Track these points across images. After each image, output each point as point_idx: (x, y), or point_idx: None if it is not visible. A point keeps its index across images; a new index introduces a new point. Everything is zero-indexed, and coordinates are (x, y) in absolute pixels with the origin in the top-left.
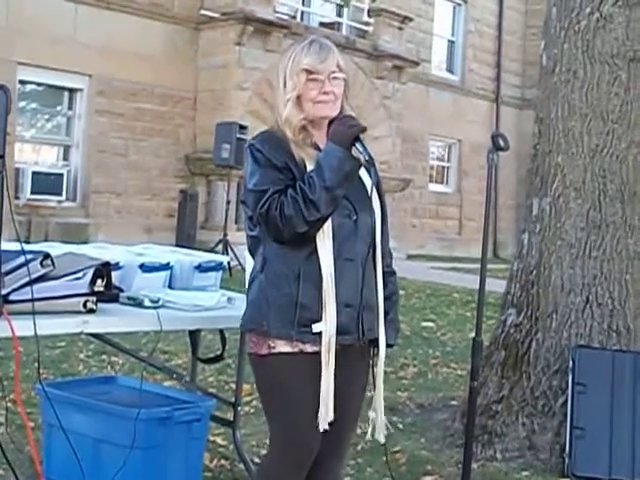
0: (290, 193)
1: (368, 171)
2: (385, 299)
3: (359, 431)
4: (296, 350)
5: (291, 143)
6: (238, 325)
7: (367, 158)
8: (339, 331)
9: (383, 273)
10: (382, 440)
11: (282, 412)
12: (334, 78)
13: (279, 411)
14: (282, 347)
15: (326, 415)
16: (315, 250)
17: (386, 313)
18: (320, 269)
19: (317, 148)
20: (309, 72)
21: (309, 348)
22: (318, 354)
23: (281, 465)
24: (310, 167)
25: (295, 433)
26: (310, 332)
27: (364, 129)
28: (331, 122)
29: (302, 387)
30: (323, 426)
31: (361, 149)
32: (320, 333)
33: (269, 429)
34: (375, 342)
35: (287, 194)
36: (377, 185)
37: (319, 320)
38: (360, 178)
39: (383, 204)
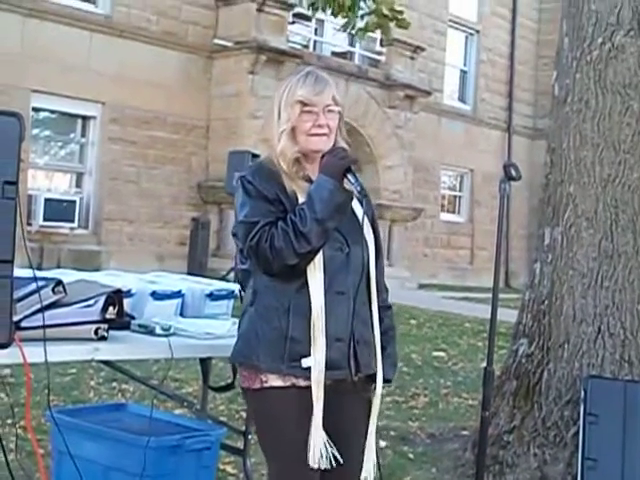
0: (280, 225)
1: (361, 203)
2: (381, 334)
3: None
4: (288, 384)
5: (283, 175)
6: None
7: (359, 189)
8: (329, 366)
9: (379, 308)
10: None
11: (276, 448)
12: (329, 111)
13: (273, 447)
14: (274, 381)
15: (316, 453)
16: (305, 283)
17: (383, 348)
18: (310, 302)
19: (310, 181)
20: (304, 104)
21: (302, 382)
22: (311, 388)
23: None
24: (302, 199)
25: (290, 471)
26: (300, 367)
27: (355, 161)
28: (324, 155)
29: (295, 423)
30: (316, 464)
31: (353, 181)
32: (310, 368)
33: (267, 464)
34: (373, 377)
35: (277, 226)
36: (371, 217)
37: (308, 353)
38: (353, 210)
39: (377, 237)
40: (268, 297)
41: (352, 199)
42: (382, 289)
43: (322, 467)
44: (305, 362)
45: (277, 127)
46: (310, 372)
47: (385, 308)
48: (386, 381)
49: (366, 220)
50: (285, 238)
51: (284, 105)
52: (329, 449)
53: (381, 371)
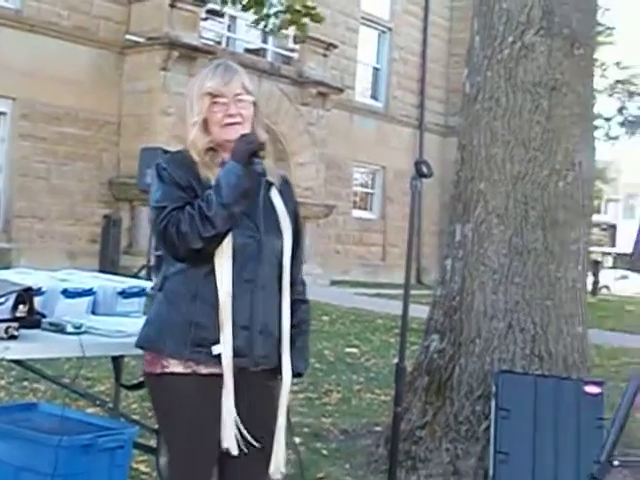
0: (187, 210)
1: (281, 193)
2: (293, 327)
3: None
4: (189, 371)
5: (198, 163)
6: None
7: (259, 172)
8: (235, 353)
9: (293, 300)
10: (277, 477)
11: (174, 433)
12: (239, 100)
13: (171, 432)
14: (175, 367)
15: (230, 437)
16: (213, 270)
17: (293, 341)
18: (217, 289)
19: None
20: (212, 95)
21: (203, 369)
22: (213, 376)
23: None
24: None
25: (186, 457)
26: (204, 352)
27: (262, 144)
28: None
29: (194, 409)
30: (228, 447)
31: (257, 162)
32: (218, 355)
33: (166, 449)
34: (280, 370)
35: (184, 211)
36: (293, 209)
37: (214, 340)
38: (271, 200)
39: (298, 229)
40: (176, 283)
41: (260, 185)
42: (297, 281)
43: (234, 451)
44: (215, 349)
45: (190, 120)
46: (213, 359)
47: (300, 301)
48: (297, 375)
49: (284, 210)
50: (191, 222)
51: (196, 98)
52: (243, 432)
53: (289, 363)
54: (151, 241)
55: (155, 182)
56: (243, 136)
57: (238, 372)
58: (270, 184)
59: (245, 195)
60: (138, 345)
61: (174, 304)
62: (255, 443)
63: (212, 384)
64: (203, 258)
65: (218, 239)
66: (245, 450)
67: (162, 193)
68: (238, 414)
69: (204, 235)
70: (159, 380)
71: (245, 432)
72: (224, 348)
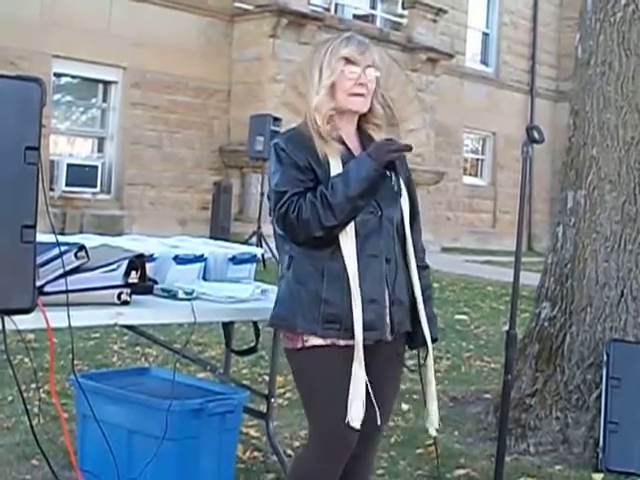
0: (309, 197)
1: (394, 166)
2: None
3: (392, 424)
4: (329, 342)
5: (315, 136)
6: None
7: (396, 190)
8: (365, 327)
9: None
10: (433, 433)
11: (319, 405)
12: (369, 73)
13: (316, 405)
14: (315, 340)
15: (356, 412)
16: (338, 248)
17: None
18: (344, 266)
19: (342, 142)
20: (348, 61)
21: (341, 342)
22: (350, 347)
23: (319, 459)
24: (333, 163)
25: (333, 427)
26: (334, 328)
27: (403, 152)
28: (361, 117)
29: (337, 380)
30: (353, 423)
31: (394, 179)
32: (350, 329)
33: (308, 423)
34: (409, 337)
35: (306, 197)
36: (407, 180)
37: (342, 315)
38: (386, 173)
39: (413, 199)
40: (304, 262)
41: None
42: (418, 249)
43: (356, 425)
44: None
45: (317, 84)
46: (344, 333)
47: (422, 268)
48: (433, 340)
49: (400, 182)
50: (312, 210)
51: (326, 63)
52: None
53: (427, 330)
54: (261, 208)
55: (273, 163)
56: (389, 140)
57: (371, 346)
58: None
59: (372, 192)
60: (271, 324)
61: (303, 283)
62: (379, 421)
63: (351, 356)
64: (323, 244)
65: (339, 229)
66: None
67: (281, 176)
68: (371, 384)
69: (326, 225)
70: (301, 354)
71: (376, 405)
72: (355, 323)
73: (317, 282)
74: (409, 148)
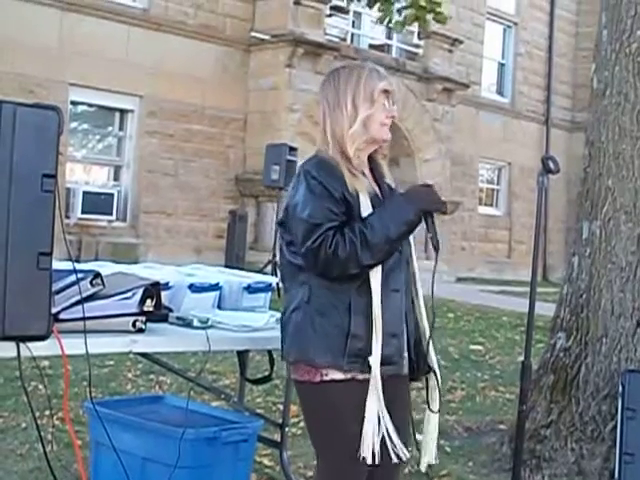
0: (347, 234)
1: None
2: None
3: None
4: (349, 377)
5: (344, 170)
6: None
7: (434, 243)
8: (383, 361)
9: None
10: (423, 469)
11: (334, 440)
12: (393, 103)
13: (329, 440)
14: (335, 374)
15: (369, 447)
16: (366, 282)
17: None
18: (370, 300)
19: (363, 174)
20: (387, 93)
21: (360, 376)
22: (367, 381)
23: None
24: (362, 198)
25: (345, 462)
26: (360, 362)
27: (444, 211)
28: (371, 155)
29: (353, 415)
30: (367, 458)
31: (431, 227)
32: (368, 363)
33: (317, 457)
34: (415, 368)
35: (344, 234)
36: None
37: (368, 350)
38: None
39: None
40: (325, 294)
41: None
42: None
43: (368, 461)
44: (370, 359)
45: (351, 116)
46: (366, 367)
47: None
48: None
49: None
50: (351, 248)
51: (364, 95)
52: (393, 438)
53: (436, 361)
54: (276, 237)
55: (303, 192)
56: (428, 187)
57: (387, 379)
58: (391, 189)
59: (404, 237)
60: (290, 358)
61: (326, 315)
62: (403, 451)
63: (367, 389)
64: (353, 278)
65: (373, 267)
66: (395, 459)
67: (314, 207)
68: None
69: (364, 263)
70: (319, 388)
71: (396, 439)
72: (374, 357)
73: (343, 316)
74: (446, 206)
